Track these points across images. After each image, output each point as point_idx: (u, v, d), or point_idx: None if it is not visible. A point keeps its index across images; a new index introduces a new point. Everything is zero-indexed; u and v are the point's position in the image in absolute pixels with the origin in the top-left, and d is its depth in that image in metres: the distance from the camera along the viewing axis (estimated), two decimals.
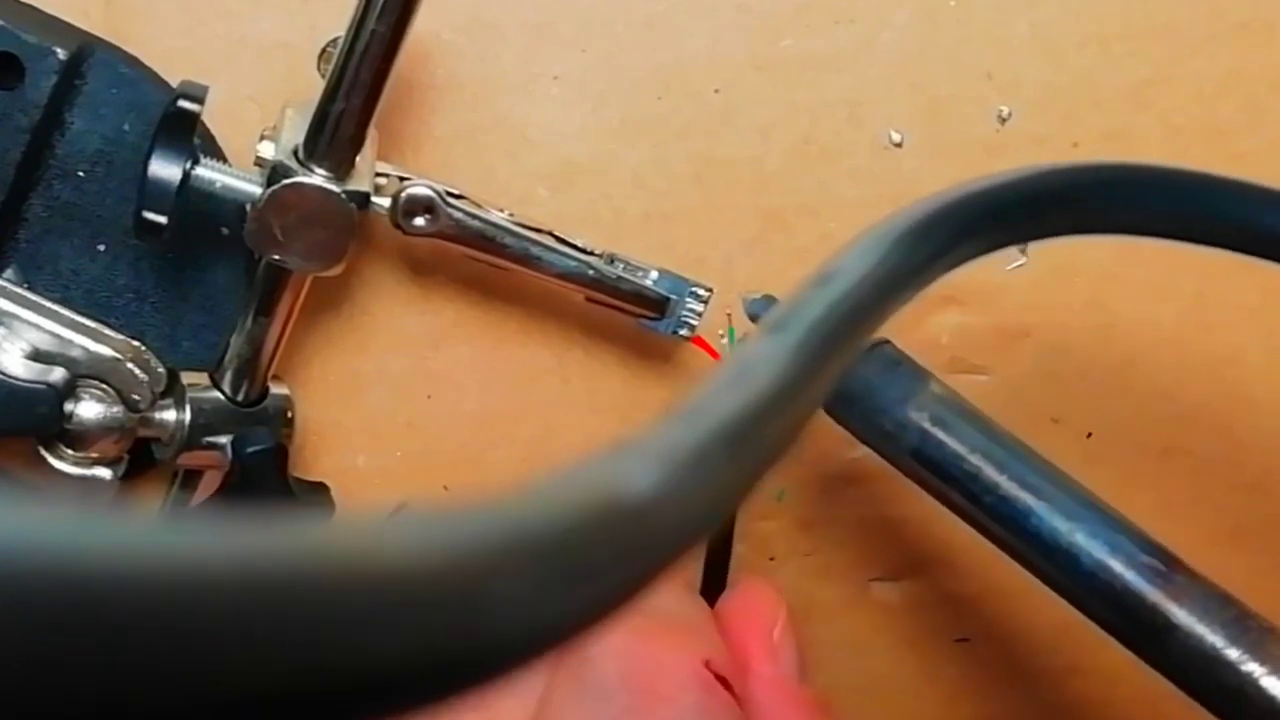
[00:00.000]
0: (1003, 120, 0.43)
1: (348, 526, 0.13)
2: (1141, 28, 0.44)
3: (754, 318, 0.40)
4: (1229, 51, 0.44)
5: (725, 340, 0.42)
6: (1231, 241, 0.35)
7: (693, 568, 0.43)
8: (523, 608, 0.15)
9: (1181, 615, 0.34)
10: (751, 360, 0.23)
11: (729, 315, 0.42)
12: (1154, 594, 0.34)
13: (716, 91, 0.42)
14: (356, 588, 0.13)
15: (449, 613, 0.14)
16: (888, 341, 0.39)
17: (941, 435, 0.37)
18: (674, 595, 0.38)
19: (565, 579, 0.15)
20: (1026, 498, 0.36)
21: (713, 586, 0.43)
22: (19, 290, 0.36)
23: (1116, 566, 0.34)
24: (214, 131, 0.38)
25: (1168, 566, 0.34)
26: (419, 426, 0.42)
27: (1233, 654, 0.33)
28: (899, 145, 0.43)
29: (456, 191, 0.39)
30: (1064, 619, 0.46)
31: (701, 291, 0.41)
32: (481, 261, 0.39)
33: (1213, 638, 0.33)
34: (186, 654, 0.11)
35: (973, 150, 0.43)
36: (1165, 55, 0.44)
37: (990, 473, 0.36)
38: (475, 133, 0.41)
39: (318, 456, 0.42)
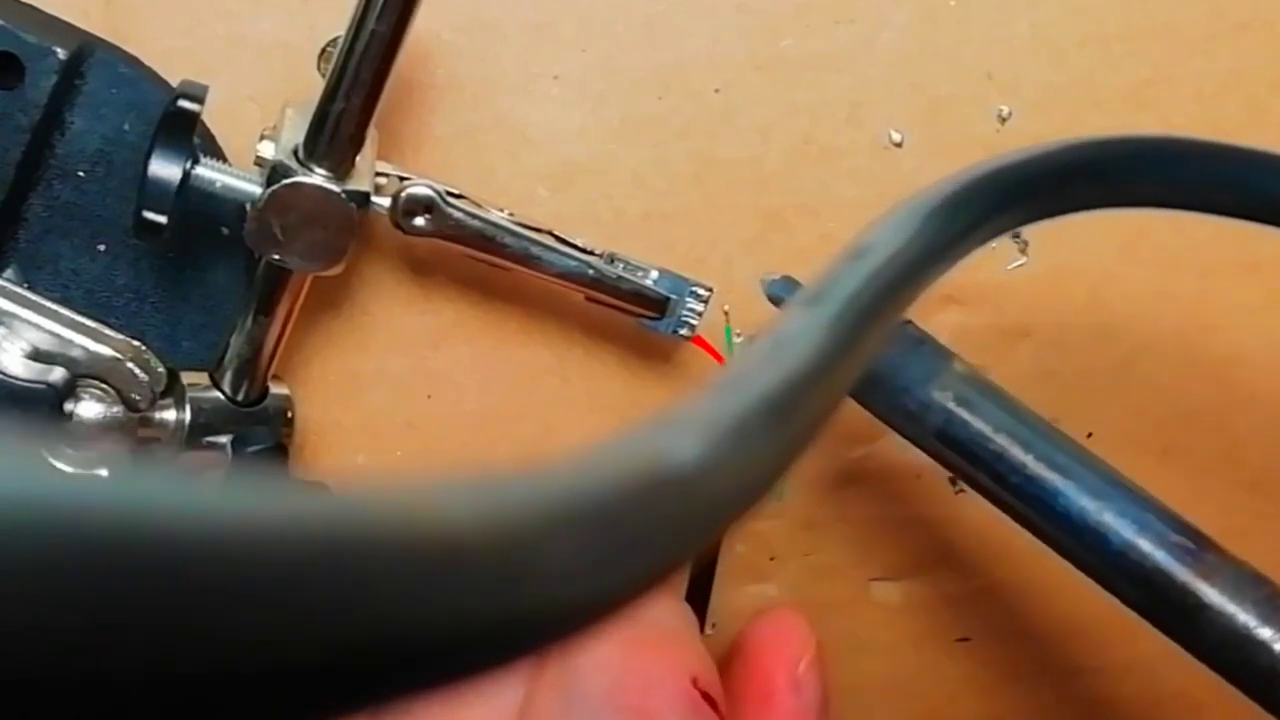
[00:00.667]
0: (1003, 120, 0.43)
1: (396, 492, 0.13)
2: (1142, 28, 0.44)
3: (773, 299, 0.39)
4: (1229, 51, 0.44)
5: (739, 339, 0.42)
6: (1261, 213, 0.35)
7: (680, 576, 0.43)
8: (573, 577, 0.15)
9: (1213, 595, 0.33)
10: (788, 333, 0.23)
11: (726, 312, 0.42)
12: (1184, 573, 0.34)
13: (716, 91, 0.42)
14: (408, 554, 0.13)
15: (502, 581, 0.14)
16: (909, 321, 0.38)
17: (966, 415, 0.36)
18: (663, 603, 0.38)
19: (613, 549, 0.15)
20: (1054, 477, 0.35)
21: (698, 596, 0.43)
22: (19, 290, 0.36)
23: (1146, 546, 0.34)
24: (214, 131, 0.38)
25: (1198, 545, 0.34)
26: (419, 426, 0.42)
27: (1265, 633, 0.33)
28: (899, 145, 0.43)
29: (456, 191, 0.39)
30: (1066, 618, 0.46)
31: (702, 291, 0.41)
32: (481, 261, 0.39)
33: (1245, 617, 0.33)
34: (237, 619, 0.11)
35: (973, 150, 0.43)
36: (1165, 55, 0.44)
37: (1016, 452, 0.36)
38: (475, 133, 0.41)
39: (318, 456, 0.42)
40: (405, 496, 0.13)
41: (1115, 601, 0.46)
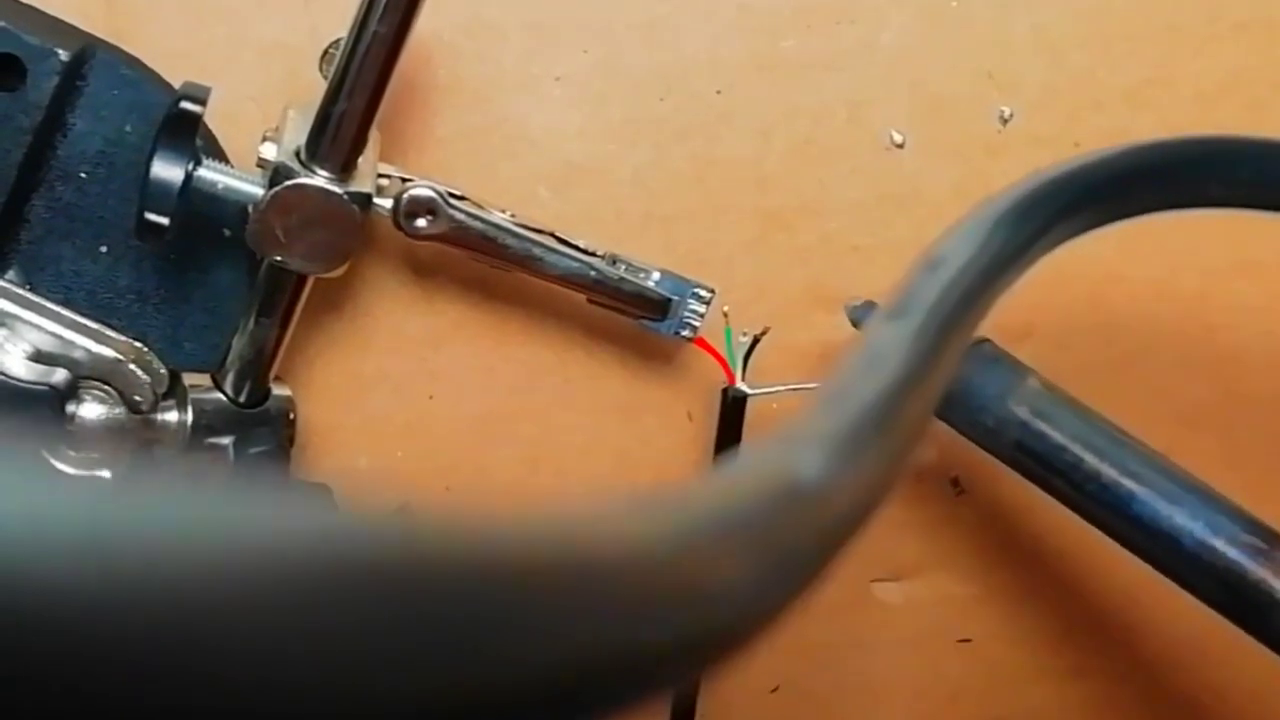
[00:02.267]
0: (1004, 120, 0.43)
1: (564, 518, 0.14)
2: (1142, 28, 0.44)
3: (858, 325, 0.40)
4: (1229, 51, 0.44)
5: (744, 338, 0.42)
6: None
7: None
8: (741, 593, 0.15)
9: None
10: (879, 347, 0.24)
11: (726, 314, 0.42)
12: (1257, 571, 0.35)
13: (718, 92, 0.42)
14: (598, 579, 0.13)
15: (688, 601, 0.14)
16: (987, 340, 0.40)
17: (1043, 427, 0.38)
18: None
19: (769, 565, 0.16)
20: (1128, 483, 0.37)
21: None
22: (21, 291, 0.36)
23: (1219, 545, 0.35)
24: (216, 133, 0.38)
25: (1269, 544, 0.35)
26: (421, 427, 0.42)
27: None
28: (900, 145, 0.43)
29: (458, 193, 0.39)
30: (1066, 620, 0.46)
31: (703, 292, 0.41)
32: (483, 262, 0.39)
33: None
34: (439, 649, 0.11)
35: (974, 150, 0.43)
36: (1166, 55, 0.44)
37: (1091, 461, 0.37)
38: (477, 133, 0.41)
39: (320, 458, 0.42)
40: (585, 523, 0.14)
41: (1116, 603, 0.46)
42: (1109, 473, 0.37)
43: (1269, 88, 0.44)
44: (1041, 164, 0.43)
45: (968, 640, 0.46)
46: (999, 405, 0.38)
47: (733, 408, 0.42)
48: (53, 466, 0.35)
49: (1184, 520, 0.36)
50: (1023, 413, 0.38)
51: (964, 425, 0.39)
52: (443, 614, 0.11)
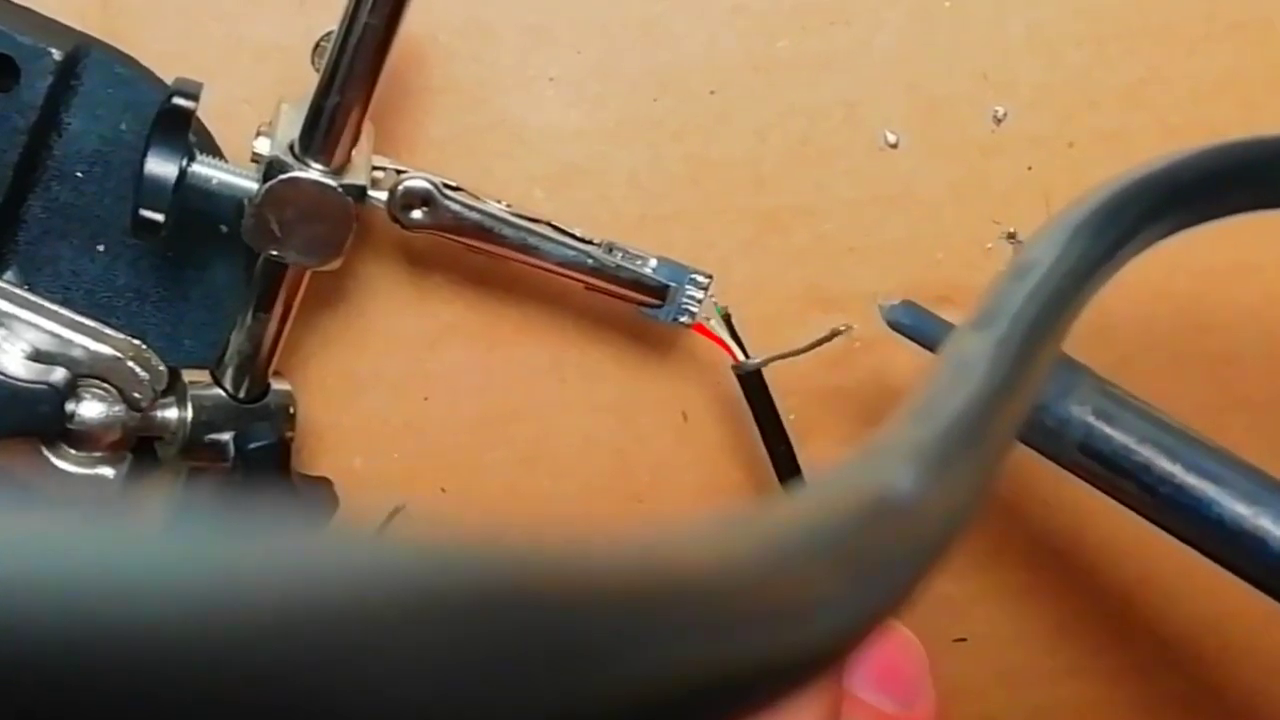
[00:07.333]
0: (999, 120, 0.43)
1: (658, 539, 0.14)
2: (1138, 27, 0.44)
3: (894, 325, 0.39)
4: (1225, 51, 0.44)
5: (713, 321, 0.41)
6: None
7: None
8: (835, 610, 0.15)
9: None
10: (967, 357, 0.24)
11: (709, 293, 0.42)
12: None
13: (713, 93, 0.42)
14: (695, 600, 0.13)
15: (779, 618, 0.14)
16: None
17: (1107, 428, 0.35)
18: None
19: (863, 580, 0.16)
20: (1204, 485, 0.34)
21: None
22: (19, 291, 0.36)
23: None
24: (211, 134, 0.38)
25: None
26: (416, 428, 0.42)
27: None
28: (895, 146, 0.43)
29: (454, 184, 0.39)
30: (1062, 619, 0.46)
31: (701, 278, 0.40)
32: (480, 253, 0.39)
33: None
34: (539, 674, 0.11)
35: (969, 150, 0.43)
36: (1161, 55, 0.44)
37: (1163, 463, 0.34)
38: (471, 134, 0.41)
39: (315, 458, 0.42)
40: (679, 544, 0.14)
41: (1112, 603, 0.46)
42: (1183, 475, 0.34)
43: (1265, 87, 0.45)
44: (1037, 164, 0.44)
45: (963, 640, 0.46)
46: (1059, 406, 0.36)
47: (752, 383, 0.41)
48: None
49: (1268, 522, 0.33)
50: (1085, 413, 0.35)
51: (1020, 429, 0.37)
52: (543, 638, 0.11)
